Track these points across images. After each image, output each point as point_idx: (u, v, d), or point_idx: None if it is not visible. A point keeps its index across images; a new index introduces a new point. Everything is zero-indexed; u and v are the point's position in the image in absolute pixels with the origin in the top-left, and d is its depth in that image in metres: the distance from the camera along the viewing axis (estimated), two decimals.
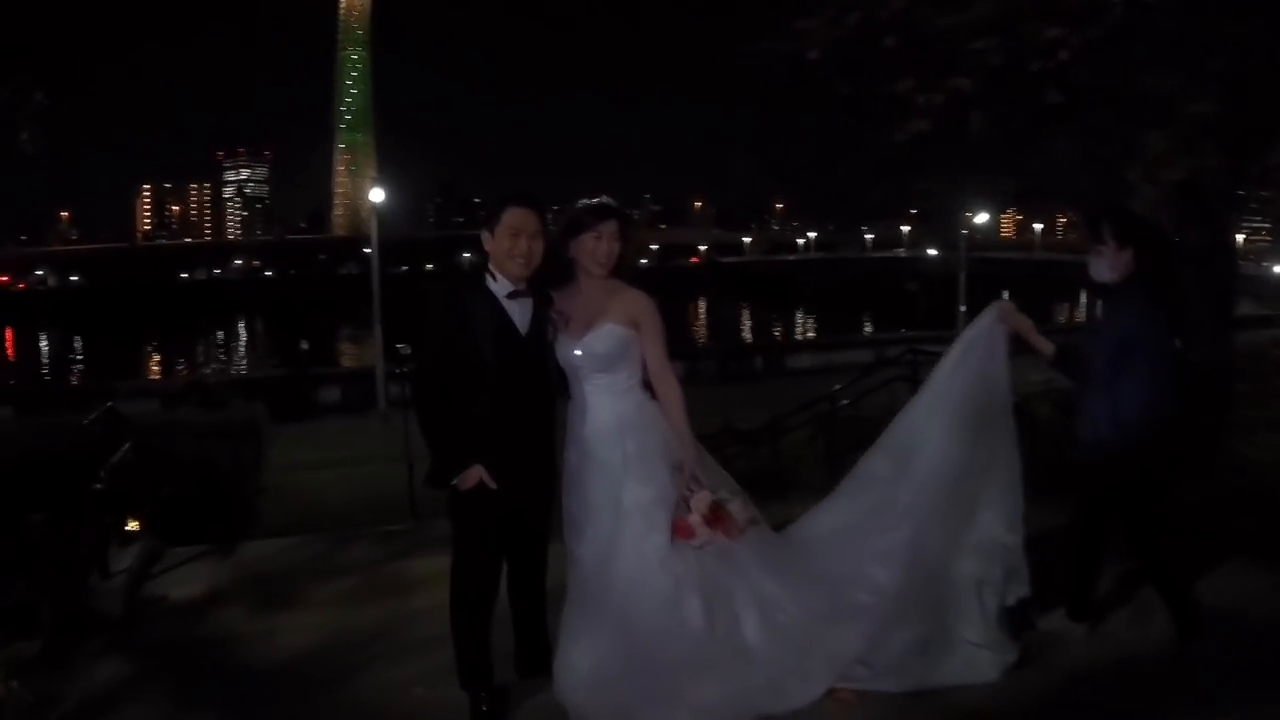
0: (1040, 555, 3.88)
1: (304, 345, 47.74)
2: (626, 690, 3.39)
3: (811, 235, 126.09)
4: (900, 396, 11.01)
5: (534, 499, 3.61)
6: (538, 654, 3.74)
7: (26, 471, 5.69)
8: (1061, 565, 4.07)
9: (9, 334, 73.61)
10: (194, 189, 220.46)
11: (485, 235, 3.51)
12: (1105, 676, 3.80)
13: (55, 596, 4.49)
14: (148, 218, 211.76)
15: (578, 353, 3.53)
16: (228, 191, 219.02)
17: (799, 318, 68.18)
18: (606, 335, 3.50)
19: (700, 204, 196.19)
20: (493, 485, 3.42)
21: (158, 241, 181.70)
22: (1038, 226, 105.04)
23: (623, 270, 3.58)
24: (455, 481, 3.42)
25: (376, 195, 28.13)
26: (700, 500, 3.43)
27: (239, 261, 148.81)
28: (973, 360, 3.86)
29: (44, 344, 68.42)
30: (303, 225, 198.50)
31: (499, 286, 3.48)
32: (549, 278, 3.56)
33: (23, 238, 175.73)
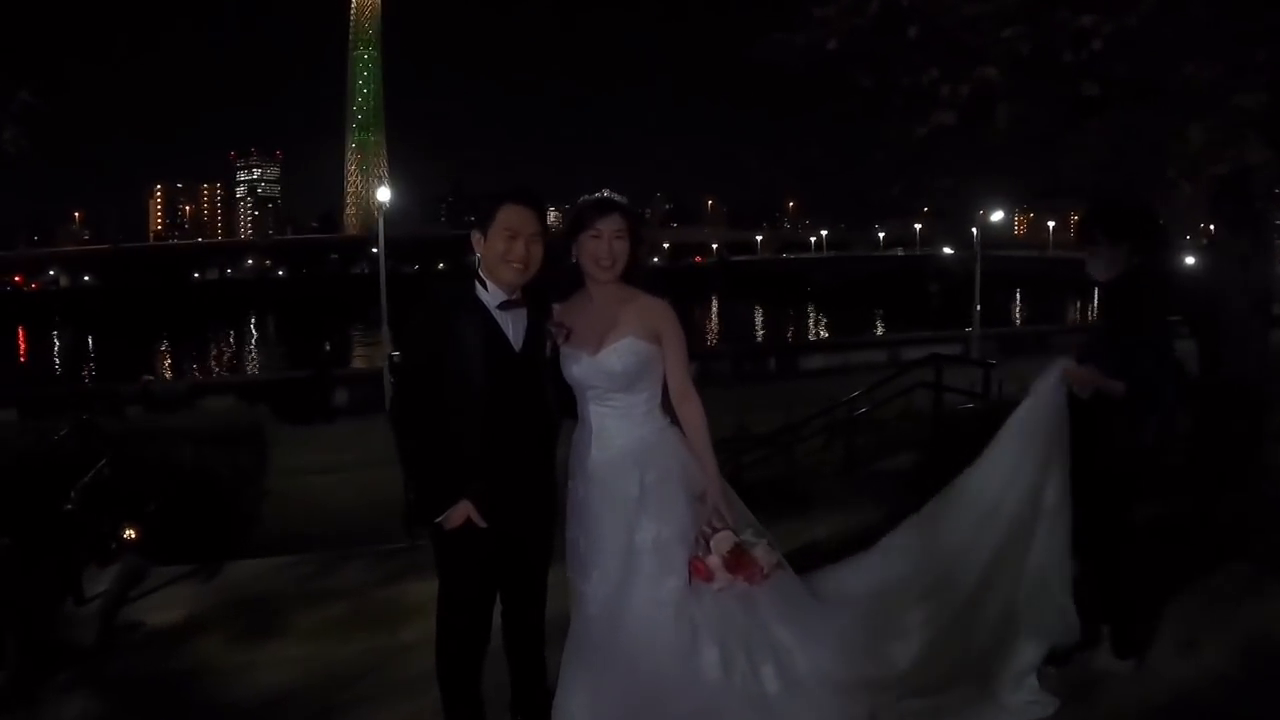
0: (1079, 590, 3.66)
1: (327, 347, 47.60)
2: None
3: (823, 234, 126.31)
4: (920, 405, 10.83)
5: (532, 531, 3.24)
6: (535, 697, 3.41)
7: None
8: (1102, 600, 3.79)
9: (21, 334, 73.88)
10: (206, 189, 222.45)
11: (477, 237, 3.09)
12: (1155, 716, 3.52)
13: (21, 626, 4.22)
14: (160, 217, 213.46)
15: (592, 370, 3.13)
16: (240, 191, 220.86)
17: (811, 317, 67.91)
18: (625, 350, 3.09)
19: (712, 202, 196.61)
20: (481, 523, 3.06)
21: (170, 241, 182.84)
22: (1050, 224, 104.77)
23: (635, 274, 3.17)
24: (439, 520, 3.05)
25: (383, 194, 28.51)
26: (722, 541, 3.05)
27: (251, 261, 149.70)
28: (1038, 441, 3.61)
29: (56, 344, 68.67)
30: (314, 225, 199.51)
31: (490, 296, 3.08)
32: (554, 285, 3.19)
33: (35, 238, 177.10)
